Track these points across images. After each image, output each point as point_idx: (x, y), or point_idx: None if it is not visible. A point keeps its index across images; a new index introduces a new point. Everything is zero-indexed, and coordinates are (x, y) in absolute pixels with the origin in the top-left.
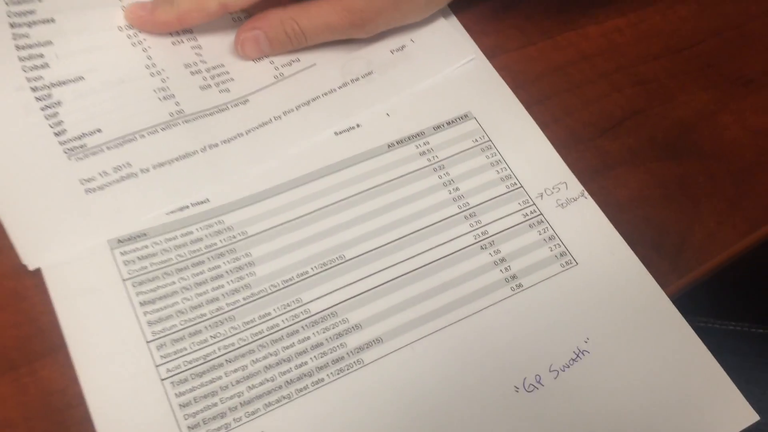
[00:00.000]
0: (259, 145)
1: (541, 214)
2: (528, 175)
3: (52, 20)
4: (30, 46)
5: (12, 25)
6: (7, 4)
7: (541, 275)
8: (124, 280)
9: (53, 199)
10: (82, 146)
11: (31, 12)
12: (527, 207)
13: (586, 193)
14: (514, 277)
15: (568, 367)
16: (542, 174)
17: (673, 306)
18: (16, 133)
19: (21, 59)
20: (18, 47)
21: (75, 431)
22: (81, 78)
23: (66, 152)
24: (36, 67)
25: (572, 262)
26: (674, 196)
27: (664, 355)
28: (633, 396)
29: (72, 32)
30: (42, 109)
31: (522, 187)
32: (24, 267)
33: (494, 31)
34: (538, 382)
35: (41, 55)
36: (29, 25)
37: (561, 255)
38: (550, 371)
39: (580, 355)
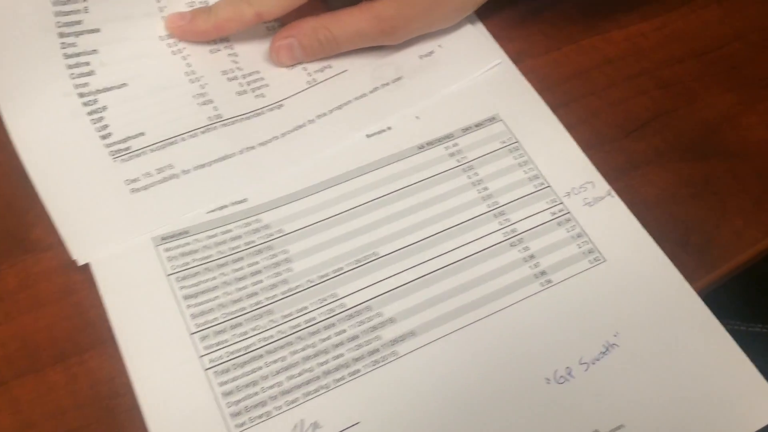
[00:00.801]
0: (294, 148)
1: (569, 212)
2: (555, 174)
3: (98, 30)
4: (77, 55)
5: (61, 35)
6: (56, 15)
7: (569, 271)
8: (168, 275)
9: (101, 199)
10: (126, 149)
11: (79, 22)
12: (555, 205)
13: (612, 192)
14: (543, 273)
15: (598, 360)
16: (569, 174)
17: (701, 301)
18: (65, 137)
19: (69, 67)
20: (66, 55)
21: (123, 418)
22: (125, 84)
23: (111, 154)
24: (83, 75)
25: (600, 258)
26: (700, 195)
27: (692, 349)
28: (662, 389)
29: (116, 41)
30: (88, 114)
31: (550, 186)
32: (73, 263)
33: (520, 36)
34: (569, 375)
35: (87, 63)
36: (76, 34)
37: (589, 252)
38: (580, 364)
39: (610, 348)
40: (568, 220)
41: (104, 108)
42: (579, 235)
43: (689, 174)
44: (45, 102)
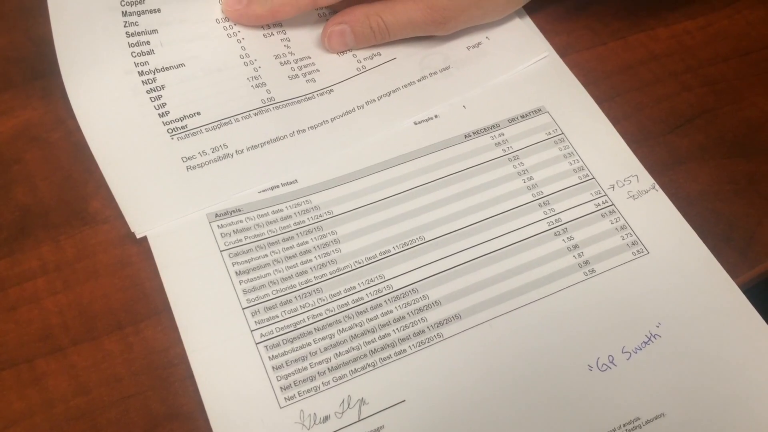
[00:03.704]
0: (344, 132)
1: (613, 204)
2: (600, 167)
3: (159, 10)
4: (138, 34)
5: (124, 14)
6: None
7: (613, 262)
8: (221, 251)
9: (158, 174)
10: (183, 127)
11: (141, 2)
12: (599, 197)
13: (657, 186)
14: (587, 262)
15: (641, 349)
16: (614, 166)
17: (743, 295)
18: (125, 113)
19: (130, 45)
20: (128, 34)
21: (177, 387)
22: (182, 65)
23: (169, 132)
24: (143, 53)
25: (644, 250)
26: (744, 191)
27: (734, 342)
28: (703, 380)
29: (175, 22)
30: (148, 92)
31: (594, 178)
32: (129, 236)
33: (566, 31)
34: (611, 362)
35: (148, 42)
36: (138, 14)
37: (632, 244)
38: (622, 352)
39: (652, 338)
40: (612, 212)
41: (162, 87)
42: (622, 227)
43: (732, 171)
44: (107, 78)
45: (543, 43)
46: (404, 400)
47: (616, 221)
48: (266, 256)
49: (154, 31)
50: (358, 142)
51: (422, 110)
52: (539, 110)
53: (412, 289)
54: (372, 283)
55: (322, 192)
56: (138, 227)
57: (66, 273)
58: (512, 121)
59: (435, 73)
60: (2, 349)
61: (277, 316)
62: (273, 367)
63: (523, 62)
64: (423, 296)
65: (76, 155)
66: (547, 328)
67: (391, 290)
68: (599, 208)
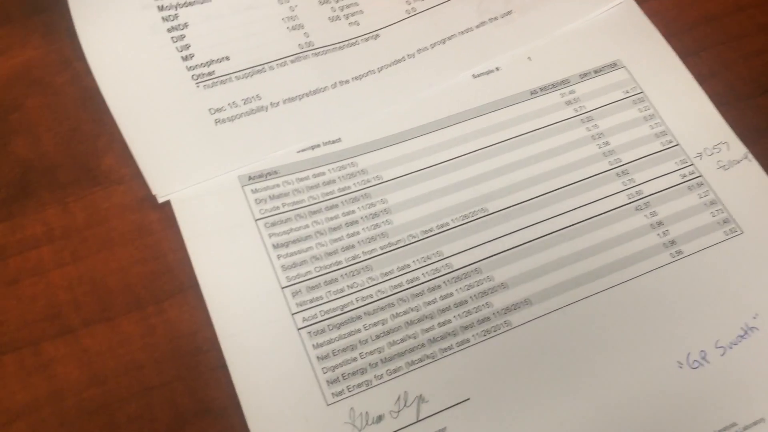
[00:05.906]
0: (393, 84)
1: (701, 175)
2: (685, 132)
3: None
4: None
5: None
6: None
7: (702, 243)
8: (256, 219)
9: (182, 128)
10: (210, 73)
11: None
12: (685, 167)
13: (750, 156)
14: (673, 242)
15: (736, 344)
16: (701, 132)
17: None
18: (143, 54)
19: None
20: None
21: (208, 378)
22: (208, 0)
23: (194, 78)
24: None
25: (737, 230)
26: None
27: None
28: None
29: None
30: (169, 30)
31: (679, 144)
32: (148, 199)
33: None
34: (703, 359)
35: None
36: None
37: (724, 222)
38: (716, 347)
39: (749, 332)
40: (700, 184)
41: (185, 25)
42: (713, 202)
43: None
44: (122, 13)
45: None
46: (468, 399)
47: (705, 195)
48: (307, 226)
49: None
50: (409, 97)
51: (481, 61)
52: (615, 64)
53: (475, 269)
54: (428, 261)
55: (370, 153)
56: (160, 189)
57: (75, 241)
58: (584, 76)
59: (495, 18)
60: (2, 330)
61: (321, 297)
62: (318, 357)
63: (595, 9)
64: (487, 277)
65: (85, 103)
66: (630, 317)
67: (450, 270)
68: (685, 179)
